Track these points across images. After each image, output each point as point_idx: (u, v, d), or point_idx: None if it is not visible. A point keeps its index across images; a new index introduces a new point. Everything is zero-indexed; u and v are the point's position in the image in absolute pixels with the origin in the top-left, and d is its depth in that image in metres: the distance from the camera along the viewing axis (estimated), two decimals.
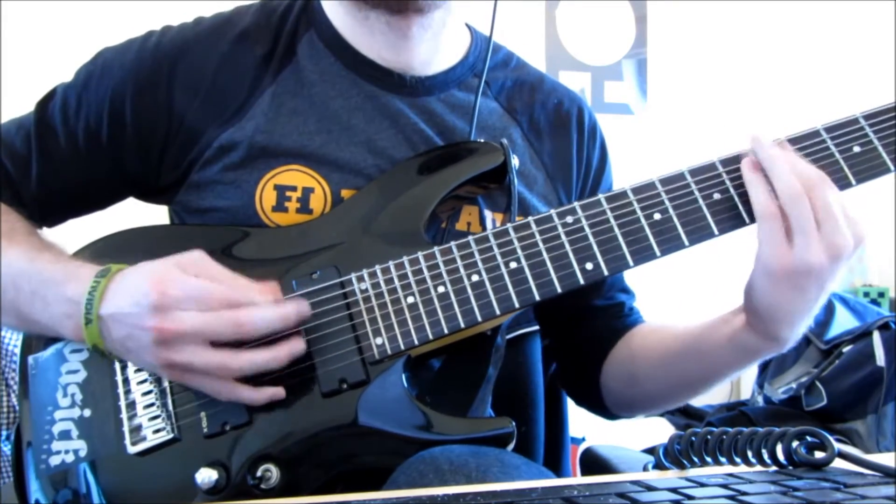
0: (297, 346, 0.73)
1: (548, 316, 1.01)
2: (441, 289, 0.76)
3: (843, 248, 0.70)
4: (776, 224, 0.71)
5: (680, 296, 2.74)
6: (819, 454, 0.54)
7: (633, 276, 0.92)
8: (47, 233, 0.89)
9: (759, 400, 2.42)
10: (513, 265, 0.76)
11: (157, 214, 0.96)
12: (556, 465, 1.07)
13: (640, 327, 0.97)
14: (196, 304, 0.70)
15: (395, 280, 0.77)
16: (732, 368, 0.84)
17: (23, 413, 0.81)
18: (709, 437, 0.57)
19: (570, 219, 0.77)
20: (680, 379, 0.90)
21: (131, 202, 0.94)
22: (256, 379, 0.73)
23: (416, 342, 0.75)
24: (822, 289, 0.72)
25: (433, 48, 0.90)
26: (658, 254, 0.75)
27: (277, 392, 0.74)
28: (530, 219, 0.77)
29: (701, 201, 0.76)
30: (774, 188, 0.72)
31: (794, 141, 0.76)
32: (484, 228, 0.88)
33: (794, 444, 0.54)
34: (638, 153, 3.06)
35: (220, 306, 0.70)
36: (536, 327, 1.02)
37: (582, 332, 0.99)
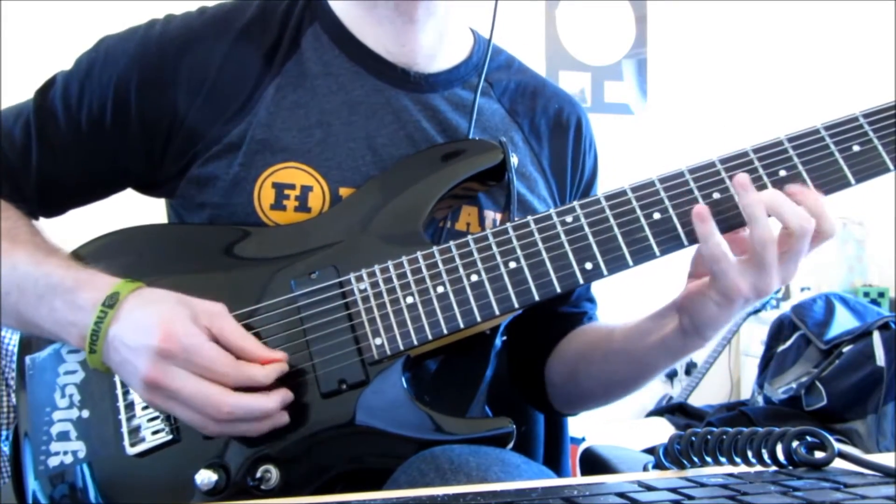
0: (280, 419, 0.73)
1: (513, 327, 1.01)
2: (440, 289, 0.76)
3: (788, 279, 0.76)
4: (772, 253, 0.73)
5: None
6: (819, 454, 0.54)
7: (622, 281, 0.92)
8: (46, 224, 0.88)
9: (759, 400, 2.42)
10: (512, 265, 0.76)
11: (155, 211, 0.96)
12: (555, 464, 1.07)
13: (584, 326, 0.99)
14: (195, 367, 0.69)
15: (394, 280, 0.77)
16: (662, 367, 0.88)
17: (21, 413, 0.81)
18: (709, 437, 0.57)
19: (569, 218, 0.76)
20: (613, 378, 0.92)
21: (130, 198, 0.94)
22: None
23: (416, 342, 0.75)
24: (746, 306, 0.78)
25: (437, 42, 0.90)
26: (657, 253, 0.75)
27: (280, 420, 0.74)
28: (529, 218, 0.77)
29: (701, 201, 0.75)
30: (785, 223, 0.74)
31: (793, 140, 0.76)
32: (483, 228, 0.88)
33: (794, 444, 0.54)
34: (638, 153, 3.06)
35: (220, 381, 0.70)
36: None
37: (538, 334, 0.99)
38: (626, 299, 1.59)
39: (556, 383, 0.97)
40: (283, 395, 0.73)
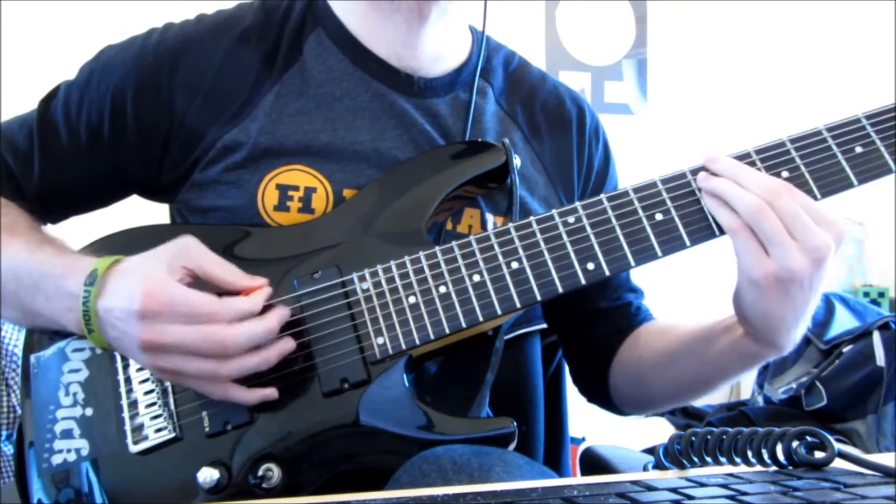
0: (286, 345, 0.74)
1: (557, 318, 1.01)
2: (442, 288, 0.76)
3: (822, 249, 0.70)
4: (747, 237, 0.71)
5: (686, 293, 2.74)
6: (819, 454, 0.54)
7: (643, 273, 0.92)
8: (50, 229, 0.89)
9: (759, 400, 2.42)
10: (514, 265, 0.76)
11: (158, 214, 0.96)
12: (556, 464, 1.08)
13: (647, 327, 0.97)
14: (182, 318, 0.70)
15: (397, 279, 0.77)
16: (734, 372, 0.85)
17: (25, 412, 0.81)
18: (709, 437, 0.57)
19: (571, 218, 0.77)
20: (683, 380, 0.90)
21: (133, 201, 0.94)
22: (253, 378, 0.73)
23: (418, 342, 0.75)
24: (810, 292, 0.73)
25: (440, 46, 0.90)
26: (659, 254, 0.75)
27: (270, 393, 0.74)
28: (532, 218, 0.77)
29: (703, 201, 0.76)
30: (735, 208, 0.72)
31: (795, 141, 0.77)
32: (485, 231, 0.88)
33: (794, 444, 0.54)
34: (638, 153, 3.06)
35: (205, 320, 0.70)
36: (536, 327, 1.02)
37: (590, 333, 0.99)
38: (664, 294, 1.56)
39: (622, 387, 0.97)
40: (280, 313, 0.73)
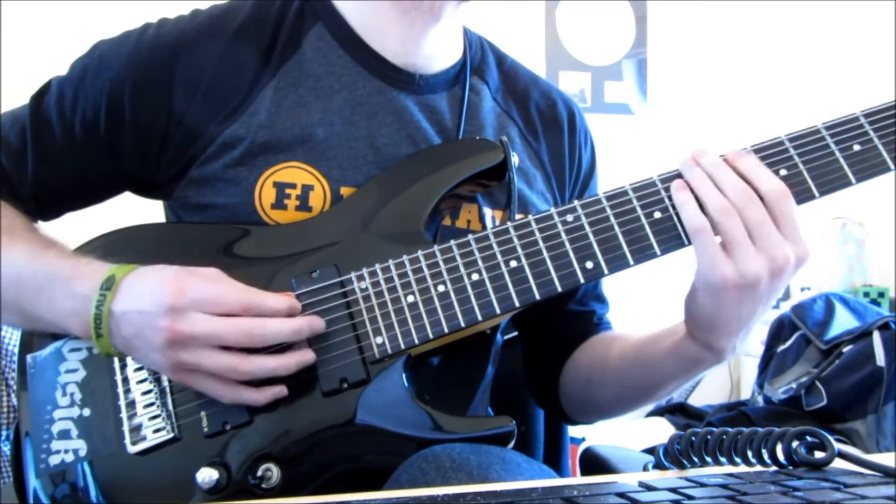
0: (306, 356, 0.74)
1: (521, 316, 1.00)
2: (441, 288, 0.76)
3: (779, 261, 0.70)
4: (707, 237, 0.72)
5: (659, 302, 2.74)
6: (819, 454, 0.54)
7: (624, 282, 0.92)
8: (44, 227, 0.88)
9: (759, 400, 2.42)
10: (513, 264, 0.76)
11: (153, 211, 0.96)
12: (556, 464, 1.08)
13: (602, 335, 0.98)
14: (212, 307, 0.71)
15: (396, 279, 0.77)
16: (674, 379, 0.85)
17: (22, 412, 0.81)
18: (709, 437, 0.57)
19: (570, 217, 0.77)
20: (626, 386, 0.91)
21: (129, 199, 0.94)
22: (258, 381, 0.73)
23: (417, 341, 0.75)
24: (759, 301, 0.73)
25: (439, 44, 0.91)
26: (658, 253, 0.75)
27: (280, 391, 0.74)
28: (530, 217, 0.77)
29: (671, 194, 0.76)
30: (703, 206, 0.73)
31: (794, 139, 0.76)
32: (483, 226, 0.88)
33: (794, 444, 0.54)
34: (638, 153, 3.06)
35: (235, 310, 0.71)
36: None
37: (549, 335, 0.99)
38: (636, 304, 1.58)
39: (569, 392, 0.97)
40: (312, 322, 0.74)
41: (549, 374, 0.98)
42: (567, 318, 0.99)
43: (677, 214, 0.75)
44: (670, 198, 0.76)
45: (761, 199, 0.72)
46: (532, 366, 1.02)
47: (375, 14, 0.88)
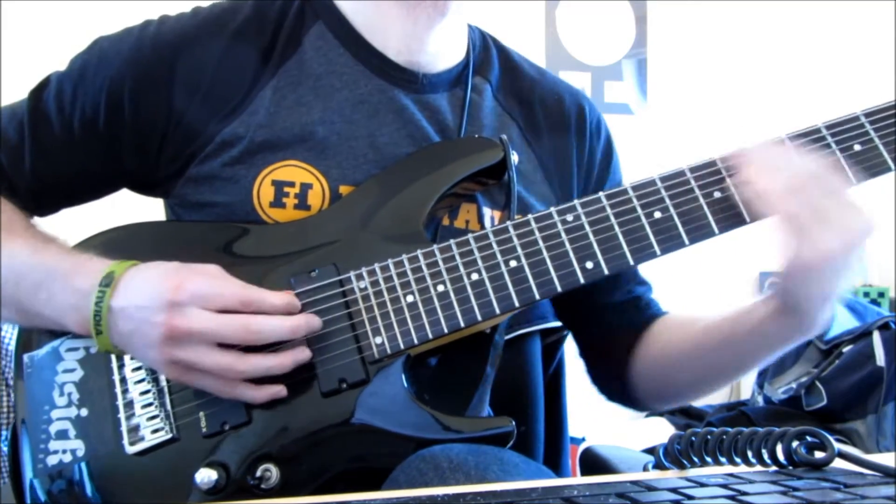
0: (302, 353, 0.74)
1: (568, 314, 1.01)
2: (441, 287, 0.76)
3: (852, 231, 0.72)
4: (787, 218, 0.72)
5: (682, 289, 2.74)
6: (819, 454, 0.54)
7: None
8: (41, 222, 0.88)
9: (759, 400, 2.42)
10: (513, 264, 0.76)
11: (152, 209, 0.96)
12: (555, 464, 1.07)
13: (665, 320, 0.97)
14: (210, 302, 0.71)
15: (395, 279, 0.77)
16: (762, 357, 0.86)
17: (19, 412, 0.81)
18: (709, 437, 0.57)
19: (570, 217, 0.76)
20: (712, 369, 0.90)
21: (128, 196, 0.94)
22: (257, 379, 0.73)
23: (416, 341, 0.75)
24: (839, 275, 0.74)
25: (442, 42, 0.90)
26: (658, 252, 0.75)
27: (279, 391, 0.74)
28: (530, 217, 0.77)
29: (702, 199, 0.75)
30: (775, 187, 0.72)
31: (794, 138, 0.76)
32: (482, 226, 0.88)
33: (794, 444, 0.54)
34: (638, 153, 3.05)
35: (233, 306, 0.71)
36: (536, 327, 1.02)
37: (603, 330, 0.98)
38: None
39: (645, 381, 0.96)
40: (309, 320, 0.74)
41: (616, 368, 0.97)
42: (615, 309, 0.98)
43: (677, 214, 0.75)
44: (670, 197, 0.76)
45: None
46: (595, 364, 1.02)
47: (378, 12, 0.88)
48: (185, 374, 0.73)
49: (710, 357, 0.88)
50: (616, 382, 0.99)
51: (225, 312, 0.71)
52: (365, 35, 0.89)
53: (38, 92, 0.87)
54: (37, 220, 0.88)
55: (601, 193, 0.77)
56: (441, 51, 0.91)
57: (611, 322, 0.98)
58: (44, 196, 0.88)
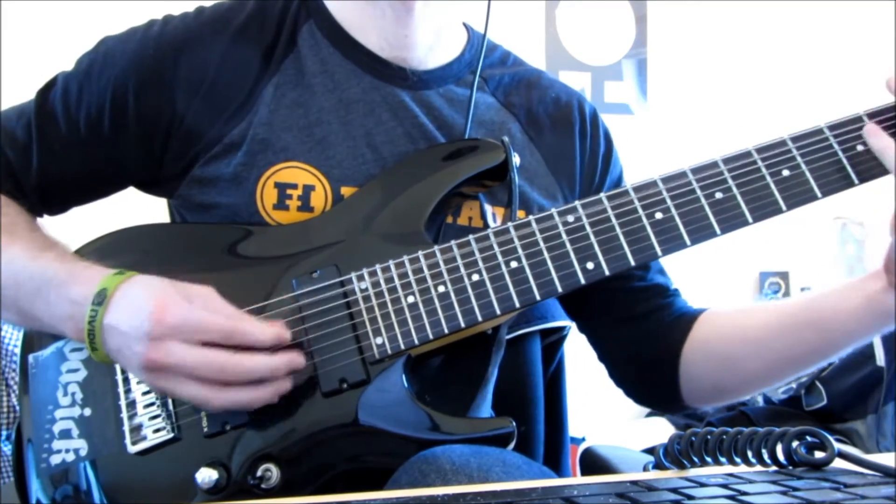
0: (284, 385, 0.73)
1: (593, 322, 0.99)
2: (441, 288, 0.76)
3: None
4: None
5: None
6: (819, 454, 0.54)
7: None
8: (48, 221, 0.88)
9: (759, 400, 2.42)
10: (513, 264, 0.76)
11: (156, 210, 0.96)
12: (556, 465, 1.07)
13: (711, 313, 0.95)
14: (191, 336, 0.69)
15: (396, 279, 0.77)
16: (859, 336, 0.83)
17: (23, 412, 0.81)
18: (709, 437, 0.57)
19: (570, 217, 0.76)
20: (788, 355, 0.88)
21: (132, 198, 0.94)
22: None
23: (417, 342, 0.75)
24: None
25: (432, 39, 0.90)
26: (659, 253, 0.75)
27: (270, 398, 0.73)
28: (531, 217, 0.77)
29: (703, 200, 0.75)
30: None
31: (795, 139, 0.76)
32: (485, 223, 0.88)
33: (794, 444, 0.54)
34: (638, 153, 3.05)
35: (215, 339, 0.70)
36: (536, 327, 1.02)
37: (639, 331, 0.96)
38: None
39: (700, 376, 0.94)
40: (291, 359, 0.73)
41: (662, 366, 0.95)
42: (648, 315, 0.96)
43: (679, 214, 0.75)
44: (672, 198, 0.76)
45: None
46: (626, 365, 0.99)
47: (354, 8, 0.89)
48: (169, 394, 0.74)
49: (789, 340, 0.86)
50: (657, 381, 0.96)
51: (208, 344, 0.70)
52: (351, 32, 0.89)
53: (45, 92, 0.88)
54: (43, 221, 0.89)
55: (602, 195, 0.77)
56: (431, 47, 0.91)
57: (650, 322, 0.96)
58: (51, 195, 0.89)
